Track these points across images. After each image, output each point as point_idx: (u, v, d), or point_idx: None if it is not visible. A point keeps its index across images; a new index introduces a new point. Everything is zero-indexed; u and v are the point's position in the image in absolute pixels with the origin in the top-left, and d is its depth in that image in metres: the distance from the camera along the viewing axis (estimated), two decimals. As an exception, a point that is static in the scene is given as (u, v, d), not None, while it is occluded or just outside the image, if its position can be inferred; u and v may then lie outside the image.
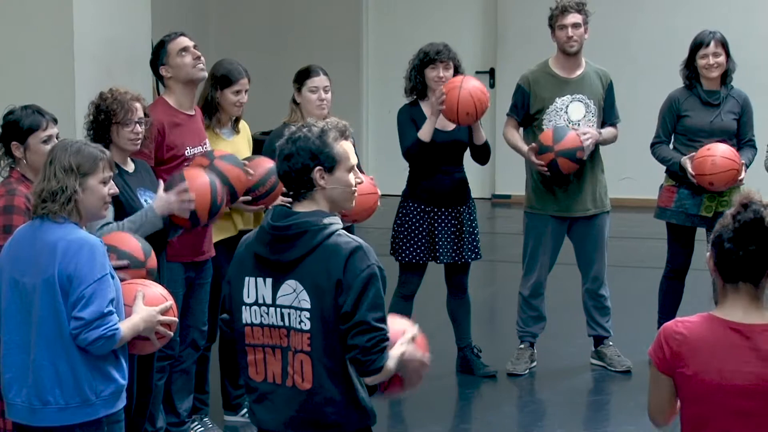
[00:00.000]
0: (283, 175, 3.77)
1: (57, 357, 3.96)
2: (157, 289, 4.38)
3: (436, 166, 6.65)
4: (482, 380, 6.89)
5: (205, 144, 5.70)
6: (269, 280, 3.75)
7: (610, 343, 7.09)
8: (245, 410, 6.24)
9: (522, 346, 7.05)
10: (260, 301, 3.76)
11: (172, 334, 4.37)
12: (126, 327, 4.09)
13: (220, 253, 5.92)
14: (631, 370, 6.92)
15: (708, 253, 3.51)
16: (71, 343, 3.96)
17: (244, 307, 3.79)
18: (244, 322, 3.79)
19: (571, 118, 6.83)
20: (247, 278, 3.79)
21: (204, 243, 5.63)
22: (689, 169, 6.69)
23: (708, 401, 3.44)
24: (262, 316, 3.76)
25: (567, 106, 6.84)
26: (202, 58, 5.71)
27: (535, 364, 7.04)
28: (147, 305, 4.25)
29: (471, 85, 6.46)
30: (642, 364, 6.66)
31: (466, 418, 6.58)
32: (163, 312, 4.31)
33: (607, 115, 6.96)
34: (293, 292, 3.71)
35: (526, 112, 6.88)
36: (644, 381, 6.73)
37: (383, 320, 3.70)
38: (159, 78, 5.76)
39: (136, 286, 4.32)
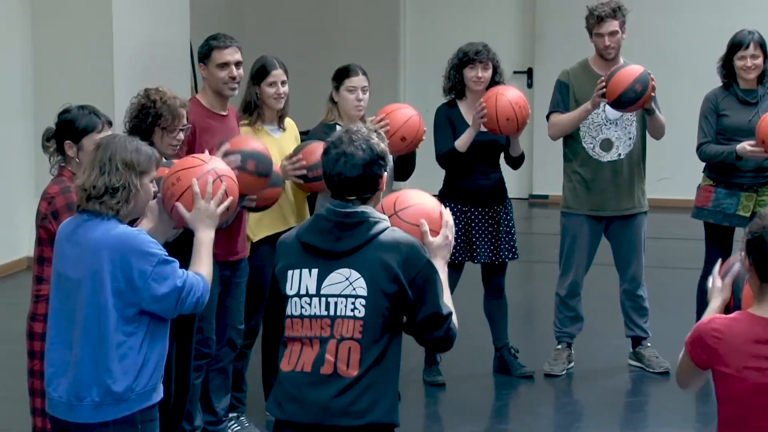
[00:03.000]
0: (356, 179, 3.81)
1: (96, 354, 3.99)
2: (211, 164, 4.32)
3: (473, 166, 6.66)
4: (519, 381, 6.87)
5: None
6: (315, 271, 3.80)
7: (648, 344, 7.06)
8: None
9: (559, 346, 7.03)
10: (302, 292, 3.81)
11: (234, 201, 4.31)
12: (201, 265, 4.12)
13: (264, 251, 5.92)
14: (669, 372, 6.87)
15: (742, 253, 3.50)
16: (110, 339, 3.98)
17: (287, 300, 3.84)
18: (286, 314, 3.84)
19: (609, 117, 6.82)
20: (290, 271, 3.84)
21: (238, 242, 5.64)
22: (748, 147, 6.57)
23: (746, 400, 3.47)
24: (303, 307, 3.81)
25: (605, 105, 6.82)
26: (238, 78, 5.70)
27: (572, 364, 7.02)
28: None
29: (509, 92, 6.46)
30: (675, 365, 6.67)
31: (502, 418, 6.57)
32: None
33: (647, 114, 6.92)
34: (345, 281, 3.77)
35: (567, 106, 6.86)
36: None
37: (444, 303, 3.80)
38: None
39: (190, 174, 4.27)
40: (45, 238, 4.62)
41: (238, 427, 5.99)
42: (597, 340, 7.45)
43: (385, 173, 3.88)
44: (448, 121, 6.69)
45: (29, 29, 9.35)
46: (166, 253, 4.05)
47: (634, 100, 6.49)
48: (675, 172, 11.33)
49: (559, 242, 7.05)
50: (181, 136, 5.09)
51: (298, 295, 3.81)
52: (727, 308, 3.79)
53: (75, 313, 4.03)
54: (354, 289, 3.76)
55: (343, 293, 3.76)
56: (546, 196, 12.25)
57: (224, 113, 5.72)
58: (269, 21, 12.86)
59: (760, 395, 3.45)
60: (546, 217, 11.50)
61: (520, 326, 7.27)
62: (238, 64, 5.70)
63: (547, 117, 7.00)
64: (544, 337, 7.32)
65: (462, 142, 6.59)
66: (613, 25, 6.77)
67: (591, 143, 6.85)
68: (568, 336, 7.02)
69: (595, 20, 6.78)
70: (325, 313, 3.78)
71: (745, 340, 3.47)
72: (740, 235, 6.60)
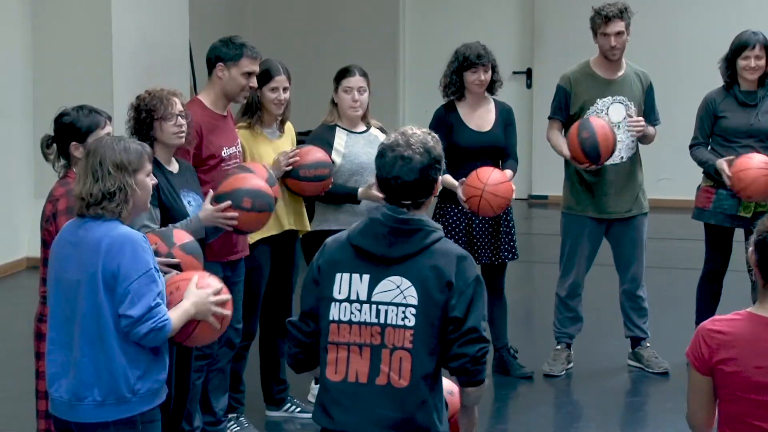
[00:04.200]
0: (414, 183, 3.74)
1: (97, 354, 4.00)
2: (211, 280, 4.35)
3: (473, 167, 6.65)
4: (519, 381, 6.88)
5: (237, 144, 5.73)
6: (366, 276, 3.74)
7: (648, 345, 7.07)
8: (289, 405, 6.27)
9: (558, 347, 7.04)
10: (353, 297, 3.74)
11: (229, 314, 4.33)
12: (176, 315, 4.10)
13: (262, 252, 5.94)
14: (668, 372, 6.89)
15: (751, 248, 3.51)
16: (111, 339, 3.99)
17: (333, 303, 3.76)
18: (330, 318, 3.76)
19: (612, 120, 6.82)
20: (339, 274, 3.76)
21: (239, 242, 5.65)
22: (726, 170, 6.65)
23: (747, 399, 3.47)
24: (352, 313, 3.74)
25: (608, 107, 6.83)
26: (253, 87, 5.72)
27: (571, 365, 7.02)
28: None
29: (490, 193, 6.39)
30: (680, 366, 6.66)
31: (502, 418, 6.57)
32: (219, 304, 4.28)
33: (647, 117, 6.94)
34: (396, 288, 3.71)
35: (567, 113, 6.88)
36: (682, 383, 6.71)
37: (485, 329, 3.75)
38: (209, 68, 5.72)
39: (192, 273, 4.33)
40: (48, 240, 4.62)
41: (238, 428, 6.00)
42: (596, 340, 7.45)
43: (439, 178, 3.81)
44: (444, 123, 6.68)
45: (29, 30, 9.36)
46: (157, 267, 4.05)
47: (594, 149, 6.53)
48: (675, 173, 11.34)
49: (558, 243, 7.06)
50: (181, 121, 5.10)
51: (348, 300, 3.74)
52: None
53: (75, 313, 4.03)
54: (405, 297, 3.70)
55: (393, 301, 3.71)
56: (545, 197, 12.25)
57: (224, 114, 5.72)
58: (269, 22, 12.87)
59: (761, 393, 3.45)
60: (545, 218, 11.50)
61: (519, 326, 7.28)
62: (255, 75, 5.72)
63: (549, 118, 7.01)
64: (543, 338, 7.33)
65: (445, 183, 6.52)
66: (620, 25, 6.77)
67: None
68: (567, 336, 7.03)
69: (602, 20, 6.78)
70: (376, 320, 3.72)
71: (746, 339, 3.48)
72: (740, 235, 6.66)
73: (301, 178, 5.88)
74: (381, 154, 3.79)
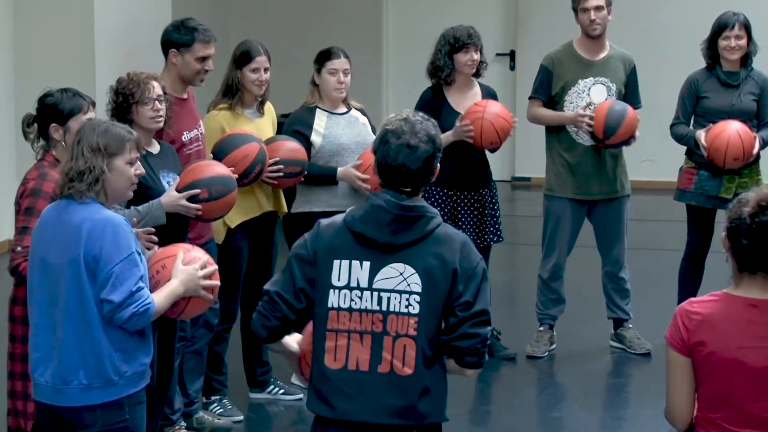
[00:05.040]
0: (418, 171, 3.71)
1: (81, 337, 3.99)
2: (197, 252, 4.36)
3: (457, 149, 6.66)
4: (502, 362, 6.92)
5: (199, 127, 5.73)
6: (367, 264, 3.70)
7: (630, 326, 7.10)
8: (273, 387, 6.28)
9: (541, 328, 7.06)
10: (353, 284, 3.70)
11: (218, 283, 4.34)
12: (161, 297, 4.11)
13: (240, 234, 5.94)
14: (650, 353, 6.94)
15: (723, 234, 3.53)
16: (95, 323, 3.99)
17: (332, 290, 3.71)
18: (329, 305, 3.71)
19: (593, 101, 6.84)
20: (337, 261, 3.72)
21: (204, 227, 5.61)
22: (702, 141, 6.66)
23: (726, 378, 3.48)
24: (352, 300, 3.70)
25: (589, 88, 6.85)
26: (209, 71, 5.71)
27: (554, 346, 7.05)
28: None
29: (492, 113, 6.49)
30: (662, 347, 6.52)
31: (485, 400, 6.61)
32: (207, 276, 4.28)
33: (629, 100, 6.96)
34: (398, 276, 3.69)
35: (549, 93, 6.89)
36: (664, 364, 6.79)
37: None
38: (164, 53, 5.72)
39: (176, 249, 4.33)
40: None
41: (221, 410, 6.01)
42: (579, 321, 7.49)
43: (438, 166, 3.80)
44: (432, 109, 6.66)
45: (10, 12, 9.31)
46: (139, 251, 4.05)
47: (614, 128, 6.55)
48: (657, 155, 11.35)
49: (541, 224, 7.08)
50: (158, 105, 5.10)
51: (348, 287, 3.70)
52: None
53: (58, 297, 4.03)
54: (408, 285, 3.68)
55: (396, 288, 3.68)
56: (528, 179, 12.27)
57: (184, 97, 5.70)
58: (252, 5, 12.82)
59: (740, 373, 3.47)
60: (529, 200, 11.52)
61: (502, 308, 7.29)
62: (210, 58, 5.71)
63: (530, 98, 7.01)
64: (526, 319, 7.35)
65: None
66: (599, 0, 6.77)
67: (575, 127, 6.86)
68: (550, 318, 7.05)
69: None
70: (377, 307, 3.68)
71: (724, 319, 3.50)
72: (722, 216, 6.67)
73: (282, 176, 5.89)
74: (384, 141, 3.74)
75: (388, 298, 3.68)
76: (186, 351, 5.65)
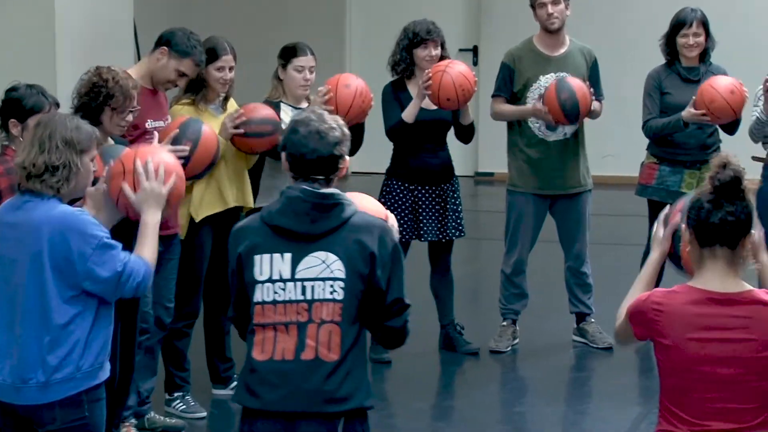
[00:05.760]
0: (329, 158, 3.79)
1: (39, 334, 3.97)
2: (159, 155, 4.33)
3: (420, 144, 6.70)
4: (465, 357, 6.93)
5: (166, 119, 5.72)
6: (288, 255, 3.75)
7: (592, 320, 7.14)
8: (235, 383, 6.26)
9: (504, 323, 7.09)
10: (275, 277, 3.75)
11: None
12: (148, 251, 4.11)
13: (205, 230, 5.93)
14: (612, 347, 6.97)
15: (683, 225, 3.56)
16: (53, 319, 3.96)
17: (256, 286, 3.77)
18: (255, 300, 3.77)
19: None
20: (258, 256, 3.77)
21: (170, 218, 5.58)
22: (692, 109, 6.65)
23: (687, 371, 3.52)
24: (276, 292, 3.75)
25: (550, 83, 6.86)
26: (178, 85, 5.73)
27: (517, 341, 7.08)
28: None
29: (456, 70, 6.48)
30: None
31: (449, 395, 6.65)
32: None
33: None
34: (321, 263, 3.74)
35: (511, 90, 6.91)
36: (625, 358, 6.86)
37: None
38: (156, 45, 5.70)
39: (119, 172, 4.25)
40: None
41: (184, 406, 6.00)
42: (542, 316, 7.53)
43: (346, 159, 3.87)
44: (395, 100, 6.70)
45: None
46: (108, 236, 4.03)
47: (575, 108, 6.55)
48: (619, 150, 11.41)
49: (504, 220, 7.10)
50: (130, 117, 5.06)
51: (271, 280, 3.75)
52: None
53: (16, 295, 4.00)
54: (332, 271, 3.73)
55: (320, 276, 3.74)
56: (491, 174, 12.29)
57: (152, 88, 5.69)
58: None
59: (701, 366, 3.51)
60: (492, 195, 11.53)
61: (465, 303, 7.33)
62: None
63: (493, 96, 7.02)
64: (489, 314, 7.38)
65: (408, 113, 6.62)
66: None
67: (537, 123, 6.90)
68: (513, 313, 7.08)
69: None
70: (302, 297, 3.73)
71: (685, 312, 3.53)
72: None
73: (247, 135, 5.86)
74: (294, 131, 3.82)
75: (312, 287, 3.74)
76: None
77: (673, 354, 3.52)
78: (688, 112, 6.70)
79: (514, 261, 7.01)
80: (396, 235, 3.89)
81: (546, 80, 6.87)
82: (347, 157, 3.86)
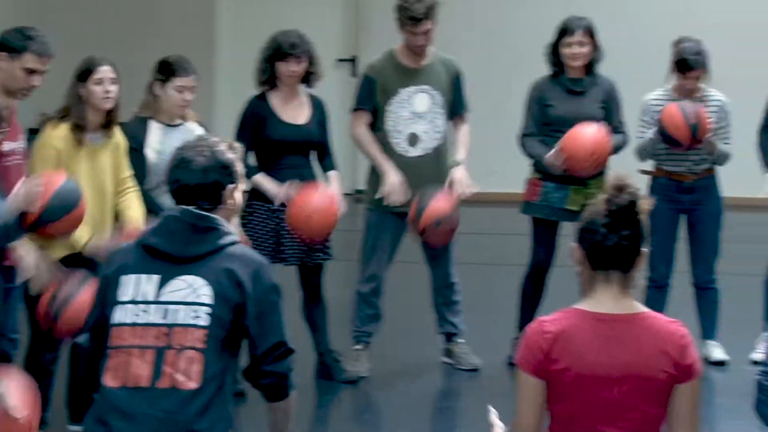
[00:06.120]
0: (195, 187, 3.81)
1: None
2: None
3: (283, 161, 6.61)
4: (341, 386, 6.93)
5: (20, 140, 5.57)
6: (156, 277, 3.77)
7: (460, 341, 7.22)
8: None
9: (359, 346, 7.07)
10: (139, 298, 3.76)
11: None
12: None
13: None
14: (478, 369, 7.08)
15: (574, 244, 3.53)
16: None
17: (117, 306, 3.77)
18: (112, 322, 3.77)
19: (417, 110, 6.86)
20: (125, 276, 3.79)
21: (9, 249, 5.41)
22: (553, 159, 6.73)
23: (579, 396, 3.55)
24: (137, 314, 3.75)
25: (411, 97, 6.86)
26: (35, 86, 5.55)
27: (370, 365, 7.06)
28: None
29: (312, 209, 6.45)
30: (494, 364, 7.02)
31: (323, 426, 6.63)
32: None
33: (455, 107, 7.02)
34: (188, 287, 3.75)
35: (373, 103, 6.87)
36: (493, 379, 6.95)
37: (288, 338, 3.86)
38: None
39: None
40: None
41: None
42: (408, 337, 7.64)
43: (232, 186, 3.86)
44: (256, 117, 6.63)
45: None
46: None
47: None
48: (505, 166, 11.44)
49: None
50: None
51: (133, 302, 3.75)
52: None
53: None
54: (198, 296, 3.73)
55: (185, 300, 3.74)
56: (374, 192, 12.24)
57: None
58: (71, 6, 12.50)
59: (593, 391, 3.53)
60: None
61: (340, 329, 7.23)
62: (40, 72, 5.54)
63: (354, 110, 6.96)
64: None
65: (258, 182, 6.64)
66: (428, 24, 6.81)
67: (398, 138, 6.87)
68: (367, 335, 7.03)
69: (409, 21, 6.80)
70: (162, 321, 3.73)
71: (576, 336, 3.55)
72: (567, 230, 6.74)
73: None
74: (171, 158, 3.91)
75: (176, 311, 3.73)
76: None
77: (566, 380, 3.55)
78: (550, 158, 6.72)
79: (371, 281, 7.00)
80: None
81: (407, 93, 6.87)
82: (230, 186, 3.85)
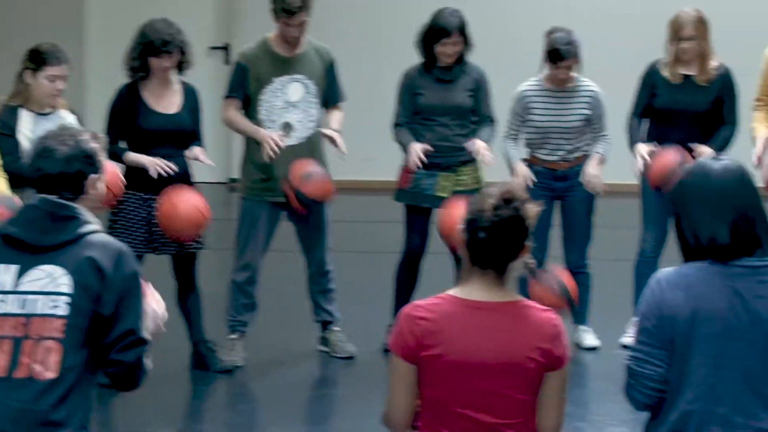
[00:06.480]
0: (57, 176, 3.77)
1: None
2: None
3: (155, 151, 6.58)
4: (217, 376, 6.89)
5: None
6: (14, 267, 3.73)
7: (336, 328, 7.26)
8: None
9: (234, 335, 7.06)
10: None
11: None
12: None
13: None
14: (354, 356, 7.13)
15: (459, 227, 3.57)
16: None
17: None
18: None
19: (290, 99, 6.89)
20: None
21: None
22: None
23: (450, 382, 3.59)
24: None
25: (285, 86, 6.88)
26: None
27: (245, 354, 7.05)
28: None
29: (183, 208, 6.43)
30: (371, 351, 7.07)
31: (198, 417, 6.63)
32: None
33: (329, 96, 7.04)
34: (46, 277, 3.71)
35: (245, 92, 6.86)
36: (369, 366, 6.98)
37: (145, 330, 3.78)
38: None
39: None
40: None
41: None
42: (283, 326, 7.65)
43: (95, 176, 3.83)
44: (127, 107, 6.59)
45: None
46: None
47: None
48: (380, 153, 11.49)
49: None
50: None
51: None
52: None
53: None
54: (57, 286, 3.70)
55: (44, 290, 3.70)
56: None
57: None
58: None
59: (464, 376, 3.57)
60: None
61: (219, 318, 7.20)
62: None
63: (225, 98, 6.95)
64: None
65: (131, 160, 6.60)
66: (303, 16, 6.82)
67: (271, 127, 6.88)
68: (242, 324, 7.03)
69: (284, 14, 6.79)
70: (21, 311, 3.69)
71: (449, 322, 3.58)
72: (438, 216, 6.83)
73: None
74: (33, 147, 3.88)
75: (35, 301, 3.70)
76: None
77: (437, 365, 3.58)
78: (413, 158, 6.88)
79: (246, 270, 7.00)
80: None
81: (281, 82, 6.91)
82: (93, 176, 3.82)
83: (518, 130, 7.23)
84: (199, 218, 6.45)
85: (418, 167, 7.02)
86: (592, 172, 7.10)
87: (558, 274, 6.71)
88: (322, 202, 6.81)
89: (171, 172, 6.50)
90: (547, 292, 6.77)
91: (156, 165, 6.49)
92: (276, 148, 6.74)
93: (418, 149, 6.91)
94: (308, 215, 6.97)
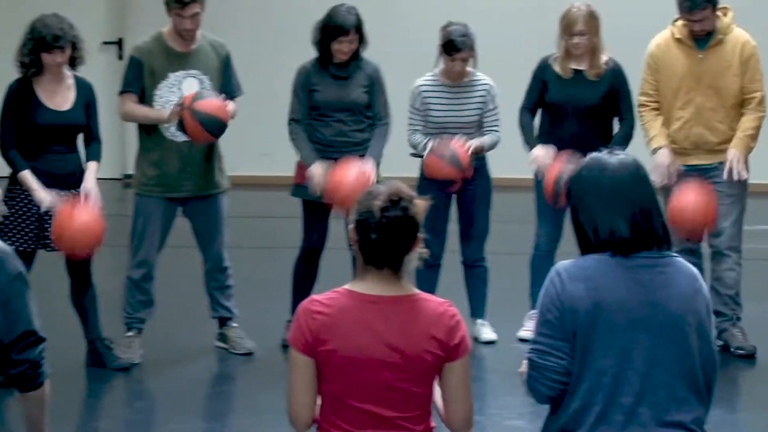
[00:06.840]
0: None
1: None
2: None
3: (47, 148, 6.53)
4: (114, 373, 6.86)
5: None
6: None
7: (234, 325, 7.26)
8: None
9: (131, 333, 7.04)
10: None
11: None
12: None
13: None
14: (252, 353, 7.13)
15: (351, 226, 3.60)
16: None
17: None
18: None
19: (186, 95, 6.81)
20: None
21: None
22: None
23: (347, 377, 3.62)
24: None
25: (181, 82, 6.86)
26: None
27: (142, 351, 7.02)
28: None
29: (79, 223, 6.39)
30: (269, 348, 7.09)
31: (95, 415, 6.59)
32: None
33: (226, 91, 7.02)
34: None
35: (141, 86, 6.82)
36: (268, 362, 7.02)
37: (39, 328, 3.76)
38: None
39: None
40: None
41: None
42: (181, 322, 7.64)
43: None
44: (19, 103, 6.53)
45: None
46: None
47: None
48: (276, 149, 11.48)
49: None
50: None
51: None
52: None
53: None
54: None
55: None
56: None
57: None
58: None
59: (360, 372, 3.60)
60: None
61: (113, 315, 7.16)
62: None
63: (120, 93, 6.91)
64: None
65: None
66: (196, 8, 6.82)
67: (168, 123, 6.83)
68: (139, 321, 7.00)
69: (174, 3, 6.78)
70: None
71: (345, 316, 3.61)
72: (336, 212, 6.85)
73: None
74: None
75: None
76: None
77: (334, 359, 3.61)
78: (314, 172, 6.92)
79: (142, 266, 6.98)
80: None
81: (176, 78, 6.91)
82: None
83: (421, 124, 7.27)
84: (92, 239, 6.42)
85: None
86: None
87: (453, 144, 6.83)
88: (218, 121, 6.71)
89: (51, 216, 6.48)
90: (440, 161, 6.90)
91: (45, 204, 6.46)
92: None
93: (319, 174, 6.94)
94: (205, 212, 7.01)
